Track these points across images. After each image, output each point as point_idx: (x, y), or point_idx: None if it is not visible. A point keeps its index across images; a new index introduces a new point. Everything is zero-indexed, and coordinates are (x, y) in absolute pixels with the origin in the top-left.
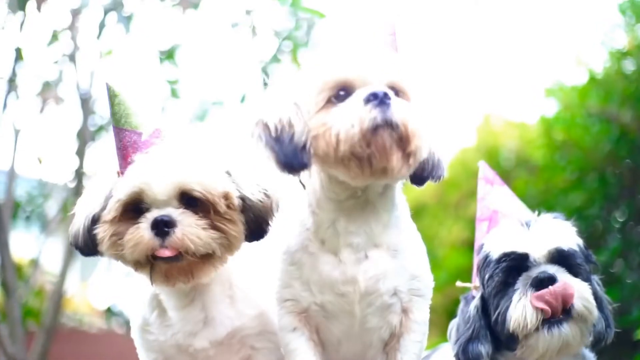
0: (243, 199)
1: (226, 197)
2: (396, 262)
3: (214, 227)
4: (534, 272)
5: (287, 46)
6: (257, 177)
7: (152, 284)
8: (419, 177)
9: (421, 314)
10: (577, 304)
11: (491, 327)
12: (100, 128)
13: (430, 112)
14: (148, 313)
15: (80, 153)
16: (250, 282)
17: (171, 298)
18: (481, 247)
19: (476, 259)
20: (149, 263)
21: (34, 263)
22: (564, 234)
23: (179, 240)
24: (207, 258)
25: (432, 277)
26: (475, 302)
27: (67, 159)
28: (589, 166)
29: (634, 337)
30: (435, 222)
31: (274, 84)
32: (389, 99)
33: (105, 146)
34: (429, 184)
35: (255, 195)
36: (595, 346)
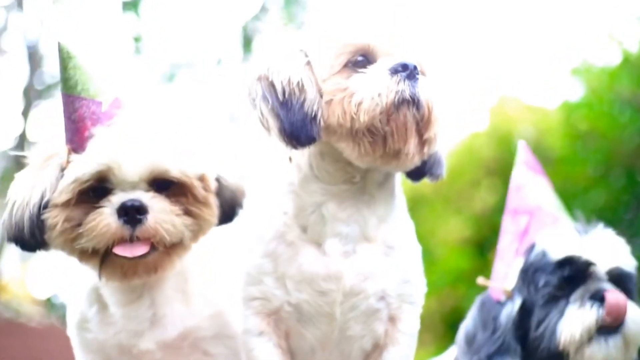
0: (218, 179)
1: (202, 179)
2: (389, 261)
3: (187, 213)
4: (595, 287)
5: (273, 2)
6: (230, 154)
7: (100, 278)
8: (418, 172)
9: (410, 324)
10: (629, 323)
11: (524, 340)
12: (49, 87)
13: (445, 99)
14: (86, 308)
15: (25, 115)
16: (208, 276)
17: (115, 293)
18: (532, 247)
19: (513, 260)
20: (106, 255)
21: None
22: (626, 252)
23: (152, 229)
24: (174, 248)
25: (426, 282)
26: (509, 311)
27: (9, 122)
28: (615, 160)
29: None
30: (433, 215)
31: (283, 35)
32: (418, 73)
33: (54, 109)
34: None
35: (231, 174)
36: None
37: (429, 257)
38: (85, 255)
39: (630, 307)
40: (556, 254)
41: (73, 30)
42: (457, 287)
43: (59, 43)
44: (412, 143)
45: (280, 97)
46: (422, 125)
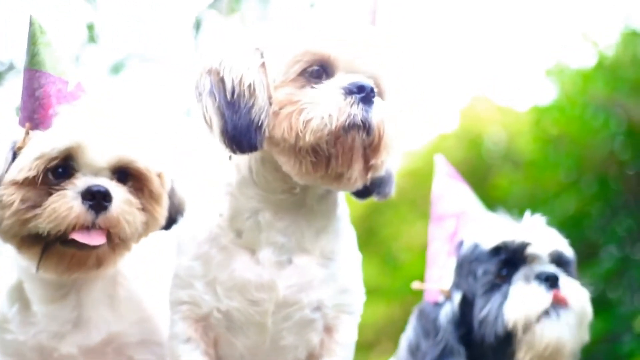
0: (172, 181)
1: (160, 177)
2: (326, 272)
3: (142, 209)
4: (538, 268)
5: None
6: (183, 155)
7: (37, 269)
8: (364, 191)
9: (347, 335)
10: (575, 301)
11: (467, 340)
12: None
13: (399, 118)
14: (7, 307)
15: None
16: (139, 281)
17: (39, 289)
18: (461, 243)
19: (446, 262)
20: (52, 243)
21: None
22: (561, 237)
23: (114, 218)
24: (119, 245)
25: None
26: (448, 310)
27: None
28: (587, 166)
29: None
30: (398, 219)
31: (240, 29)
32: (374, 96)
33: (3, 97)
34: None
35: (180, 177)
36: None
37: (392, 263)
38: (28, 242)
39: (576, 285)
40: (488, 243)
41: (24, 15)
42: (421, 294)
43: (31, 17)
44: (357, 168)
45: (229, 96)
46: (370, 151)
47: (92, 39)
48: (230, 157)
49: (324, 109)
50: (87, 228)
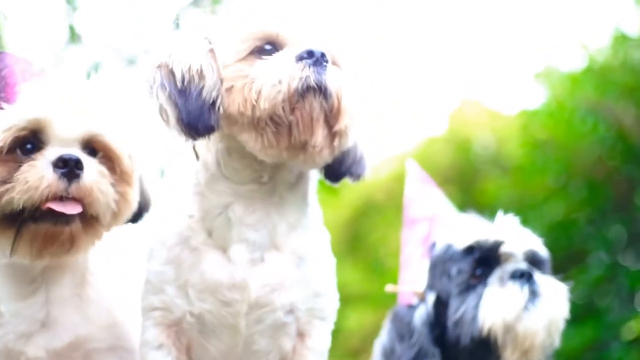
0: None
1: (130, 157)
2: (299, 272)
3: (115, 190)
4: (512, 267)
5: None
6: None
7: (11, 254)
8: (335, 171)
9: (320, 341)
10: (551, 295)
11: (442, 342)
12: None
13: (363, 97)
14: None
15: None
16: (107, 282)
17: (8, 284)
18: (433, 245)
19: (420, 264)
20: (28, 221)
21: None
22: (535, 236)
23: (87, 188)
24: (91, 225)
25: (338, 297)
26: (422, 312)
27: None
28: (575, 171)
29: None
30: (384, 223)
31: (187, 27)
32: (327, 61)
33: None
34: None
35: (147, 167)
36: None
37: (379, 268)
38: (2, 224)
39: (551, 280)
40: (461, 243)
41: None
42: None
43: None
44: (320, 134)
45: (179, 84)
46: (331, 116)
47: (73, 39)
48: (197, 158)
49: (274, 75)
50: (61, 198)
